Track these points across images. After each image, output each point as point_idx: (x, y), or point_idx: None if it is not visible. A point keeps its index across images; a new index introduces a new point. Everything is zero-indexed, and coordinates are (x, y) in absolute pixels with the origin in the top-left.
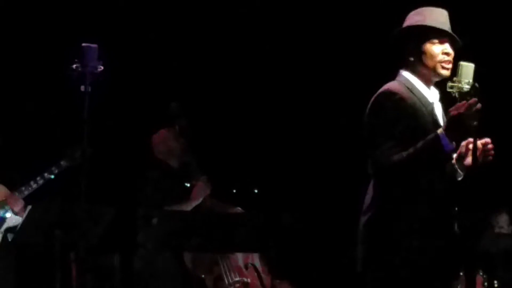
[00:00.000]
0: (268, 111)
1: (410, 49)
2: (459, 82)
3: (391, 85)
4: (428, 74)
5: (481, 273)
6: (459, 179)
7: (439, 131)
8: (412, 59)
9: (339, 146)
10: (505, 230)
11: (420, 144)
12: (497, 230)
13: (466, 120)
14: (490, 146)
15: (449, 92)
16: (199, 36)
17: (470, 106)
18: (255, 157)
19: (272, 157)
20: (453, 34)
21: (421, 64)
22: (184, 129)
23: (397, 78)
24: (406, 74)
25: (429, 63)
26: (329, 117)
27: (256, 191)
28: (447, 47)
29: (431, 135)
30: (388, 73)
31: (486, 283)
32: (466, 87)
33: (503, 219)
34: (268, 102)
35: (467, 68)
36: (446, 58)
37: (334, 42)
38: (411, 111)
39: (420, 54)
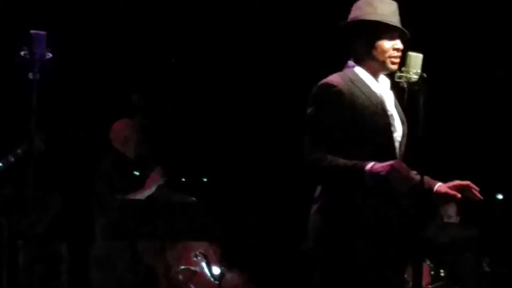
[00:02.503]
0: (218, 100)
1: (360, 42)
2: (408, 72)
3: (331, 77)
4: (376, 67)
5: (428, 262)
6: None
7: (367, 167)
8: (361, 51)
9: (288, 136)
10: (453, 219)
11: (345, 166)
12: (445, 220)
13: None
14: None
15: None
16: (152, 23)
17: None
18: (205, 146)
19: (222, 147)
20: (405, 30)
21: (371, 58)
22: (144, 121)
23: (344, 69)
24: (353, 65)
25: (379, 57)
26: (277, 105)
27: (205, 180)
28: (397, 43)
29: (359, 165)
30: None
31: (433, 272)
32: (415, 77)
33: (451, 209)
34: (217, 91)
35: (416, 58)
36: (396, 53)
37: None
38: (349, 104)
39: (370, 48)
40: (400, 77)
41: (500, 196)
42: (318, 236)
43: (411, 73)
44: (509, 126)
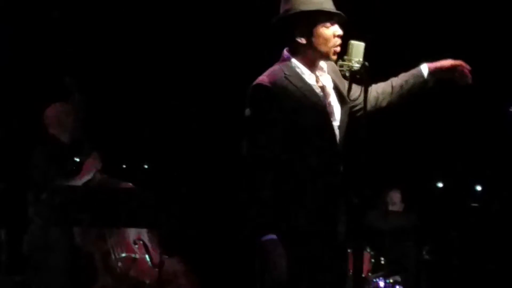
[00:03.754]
0: (158, 85)
1: (297, 33)
2: (350, 60)
3: (265, 76)
4: (316, 57)
5: (368, 250)
6: (430, 85)
7: (262, 238)
8: (300, 43)
9: (228, 124)
10: (397, 206)
11: (253, 217)
12: (390, 207)
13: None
14: (467, 69)
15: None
16: (94, 8)
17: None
18: (146, 132)
19: (162, 133)
20: (343, 15)
21: (311, 48)
22: (78, 104)
23: (279, 62)
24: (288, 56)
25: (321, 48)
26: (220, 94)
27: (146, 166)
28: (337, 29)
29: (259, 227)
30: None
31: (373, 260)
32: (356, 66)
33: (396, 196)
34: (158, 76)
35: (358, 47)
36: (338, 41)
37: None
38: (284, 102)
39: (310, 38)
40: (342, 66)
41: (440, 185)
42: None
43: (353, 61)
44: (447, 115)
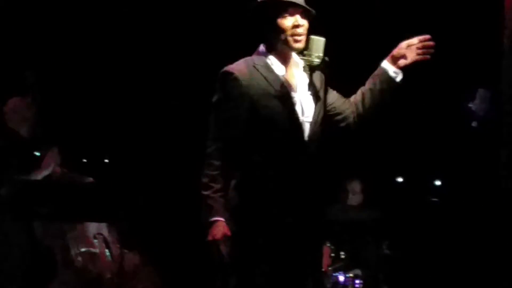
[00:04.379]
0: (118, 79)
1: (264, 23)
2: (310, 55)
3: (234, 64)
4: (282, 48)
5: (328, 244)
6: (398, 80)
7: (210, 219)
8: (266, 33)
9: (192, 117)
10: (358, 197)
11: (206, 196)
12: (350, 196)
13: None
14: (430, 43)
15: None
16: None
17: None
18: (106, 126)
19: (123, 127)
20: (304, 5)
21: (275, 39)
22: (37, 98)
23: (254, 54)
24: (262, 49)
25: (282, 37)
26: (179, 83)
27: (107, 161)
28: (298, 19)
29: (209, 210)
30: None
31: (333, 254)
32: (317, 61)
33: (356, 186)
34: (118, 68)
35: (318, 42)
36: (298, 30)
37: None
38: (248, 90)
39: (272, 28)
40: (302, 60)
41: (400, 179)
42: (233, 212)
43: (313, 56)
44: (406, 110)
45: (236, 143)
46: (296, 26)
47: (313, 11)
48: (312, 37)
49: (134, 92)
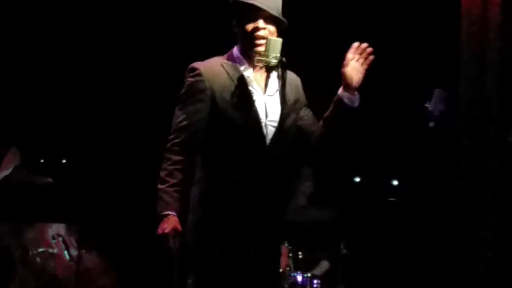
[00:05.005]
0: (76, 80)
1: (233, 24)
2: (267, 56)
3: (202, 61)
4: (248, 49)
5: (286, 244)
6: (355, 105)
7: (162, 212)
8: (236, 34)
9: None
10: (302, 200)
11: (162, 190)
12: (302, 189)
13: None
14: (369, 49)
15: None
16: None
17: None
18: (63, 127)
19: (81, 128)
20: (266, 9)
21: (241, 39)
22: None
23: (227, 53)
24: (234, 49)
25: (246, 39)
26: (140, 83)
27: (64, 161)
28: (259, 23)
29: (163, 206)
30: None
31: (291, 254)
32: (274, 61)
33: (307, 188)
34: (76, 70)
35: (275, 43)
36: (258, 33)
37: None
38: (210, 87)
39: (239, 29)
40: (259, 61)
41: (357, 179)
42: (192, 206)
43: (270, 57)
44: (365, 110)
45: (197, 137)
46: (257, 29)
47: (277, 16)
48: (269, 37)
49: (90, 93)
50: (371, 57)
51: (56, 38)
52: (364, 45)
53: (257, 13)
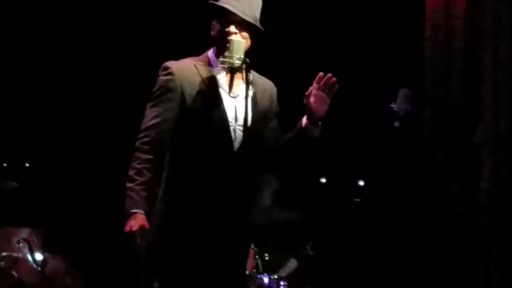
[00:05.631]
0: (37, 83)
1: (211, 25)
2: (231, 57)
3: (176, 61)
4: (220, 53)
5: (252, 246)
6: (315, 136)
7: (129, 210)
8: (212, 36)
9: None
10: (266, 200)
11: (131, 189)
12: (267, 190)
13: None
14: (332, 79)
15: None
16: None
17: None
18: (26, 130)
19: (43, 131)
20: (239, 13)
21: (216, 42)
22: None
23: (203, 54)
24: (210, 51)
25: (220, 43)
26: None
27: (27, 165)
28: (231, 28)
29: (130, 205)
30: None
31: (257, 256)
32: (238, 63)
33: (274, 182)
34: (40, 72)
35: (238, 44)
36: (229, 38)
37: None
38: (180, 87)
39: (213, 32)
40: (223, 62)
41: (323, 180)
42: (158, 205)
43: (234, 58)
44: (331, 110)
45: (166, 137)
46: (228, 34)
47: (251, 21)
48: (233, 39)
49: (52, 94)
50: (336, 87)
51: (18, 39)
52: (328, 75)
53: (230, 17)
